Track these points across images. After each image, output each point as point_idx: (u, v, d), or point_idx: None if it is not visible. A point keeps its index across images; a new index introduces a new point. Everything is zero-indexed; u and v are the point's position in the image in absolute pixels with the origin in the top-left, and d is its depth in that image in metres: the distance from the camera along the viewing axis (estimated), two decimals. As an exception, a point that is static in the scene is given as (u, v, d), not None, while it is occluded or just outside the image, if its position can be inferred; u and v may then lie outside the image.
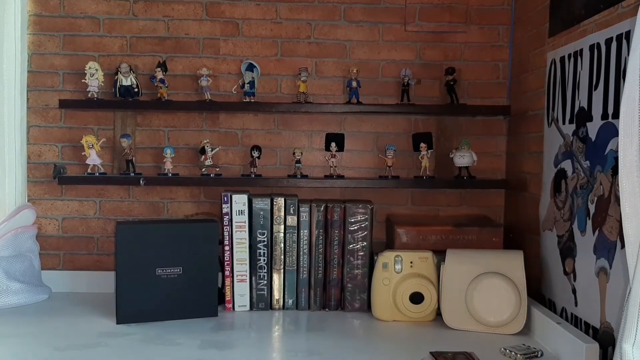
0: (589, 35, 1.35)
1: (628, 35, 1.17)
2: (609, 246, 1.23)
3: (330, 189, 1.93)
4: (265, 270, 1.74)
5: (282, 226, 1.74)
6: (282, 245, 1.74)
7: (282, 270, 1.75)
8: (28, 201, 1.91)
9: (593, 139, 1.32)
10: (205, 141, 1.88)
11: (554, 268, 1.53)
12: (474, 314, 1.53)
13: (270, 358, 1.39)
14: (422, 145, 1.88)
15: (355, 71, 1.88)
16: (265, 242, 1.74)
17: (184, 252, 1.62)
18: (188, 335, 1.48)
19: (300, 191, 1.89)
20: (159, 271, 1.61)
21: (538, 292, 1.63)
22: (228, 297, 1.73)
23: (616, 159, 1.03)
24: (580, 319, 1.36)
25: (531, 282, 1.57)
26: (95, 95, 1.85)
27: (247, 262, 1.74)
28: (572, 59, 1.45)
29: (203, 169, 1.87)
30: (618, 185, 0.96)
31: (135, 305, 1.59)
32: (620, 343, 0.92)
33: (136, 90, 1.86)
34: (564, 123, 1.49)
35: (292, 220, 1.74)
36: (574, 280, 1.40)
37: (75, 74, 1.92)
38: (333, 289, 1.75)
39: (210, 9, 1.95)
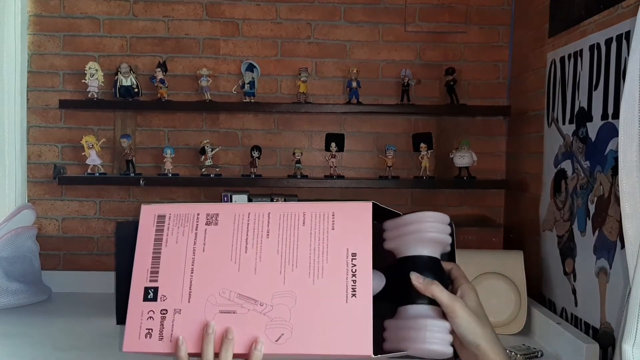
0: (589, 36, 1.35)
1: (628, 35, 1.17)
2: (609, 246, 1.23)
3: (330, 189, 1.93)
4: (265, 271, 1.74)
5: (282, 226, 1.73)
6: (282, 245, 1.74)
7: (282, 271, 1.74)
8: (28, 201, 1.91)
9: (593, 139, 1.32)
10: (205, 141, 1.88)
11: (554, 268, 1.53)
12: (474, 314, 1.53)
13: (270, 358, 1.39)
14: (422, 145, 1.88)
15: (355, 71, 1.88)
16: (265, 243, 1.73)
17: (184, 252, 1.61)
18: (188, 336, 1.48)
19: (300, 191, 1.89)
20: (159, 271, 1.60)
21: (538, 293, 1.63)
22: (228, 298, 1.73)
23: (616, 159, 1.03)
24: (580, 319, 1.36)
25: (531, 282, 1.57)
26: (95, 96, 1.85)
27: (247, 262, 1.73)
28: (572, 59, 1.45)
29: (203, 169, 1.87)
30: (618, 185, 0.96)
31: (135, 306, 1.58)
32: (620, 343, 0.92)
33: (136, 90, 1.86)
34: (564, 123, 1.49)
35: (292, 220, 1.74)
36: (574, 280, 1.40)
37: (75, 74, 1.92)
38: (333, 289, 1.75)
39: (210, 9, 1.95)
